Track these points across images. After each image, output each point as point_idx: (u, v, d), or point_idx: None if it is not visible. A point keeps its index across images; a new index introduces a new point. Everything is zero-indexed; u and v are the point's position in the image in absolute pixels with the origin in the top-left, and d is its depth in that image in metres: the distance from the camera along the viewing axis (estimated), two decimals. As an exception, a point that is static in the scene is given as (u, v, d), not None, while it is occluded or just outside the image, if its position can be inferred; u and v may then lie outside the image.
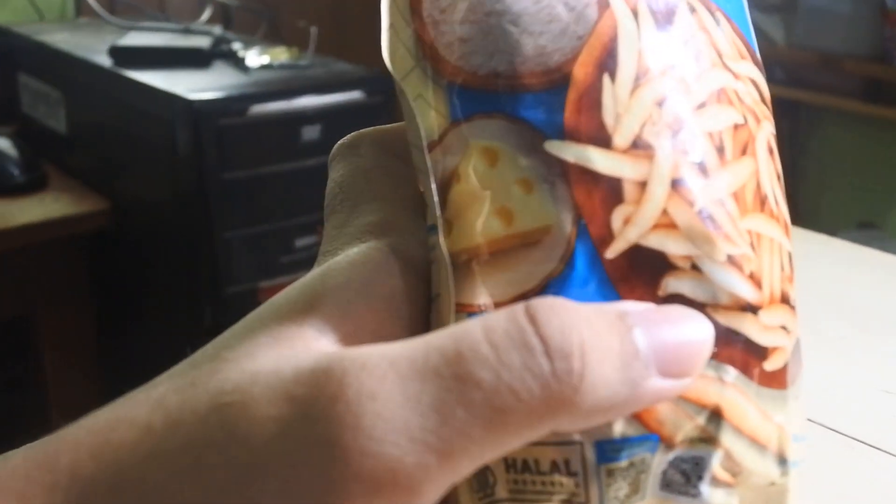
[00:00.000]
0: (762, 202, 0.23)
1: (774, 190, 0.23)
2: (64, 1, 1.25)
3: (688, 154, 0.22)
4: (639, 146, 0.22)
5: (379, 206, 0.21)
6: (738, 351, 0.20)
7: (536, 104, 0.23)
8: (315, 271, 0.19)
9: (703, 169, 0.22)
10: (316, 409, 0.14)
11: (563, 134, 0.22)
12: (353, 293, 0.18)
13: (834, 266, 0.63)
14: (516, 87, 0.22)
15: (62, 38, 1.04)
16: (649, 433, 0.19)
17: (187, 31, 0.99)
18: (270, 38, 1.09)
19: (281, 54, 0.94)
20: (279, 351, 0.16)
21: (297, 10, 1.23)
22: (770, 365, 0.21)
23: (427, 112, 0.22)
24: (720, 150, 0.23)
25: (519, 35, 0.23)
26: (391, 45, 0.23)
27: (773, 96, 0.28)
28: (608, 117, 0.22)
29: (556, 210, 0.21)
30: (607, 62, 0.23)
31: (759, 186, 0.23)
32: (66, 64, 1.00)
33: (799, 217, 1.90)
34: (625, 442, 0.19)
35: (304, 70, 0.93)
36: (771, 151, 0.24)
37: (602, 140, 0.22)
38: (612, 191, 0.21)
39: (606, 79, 0.23)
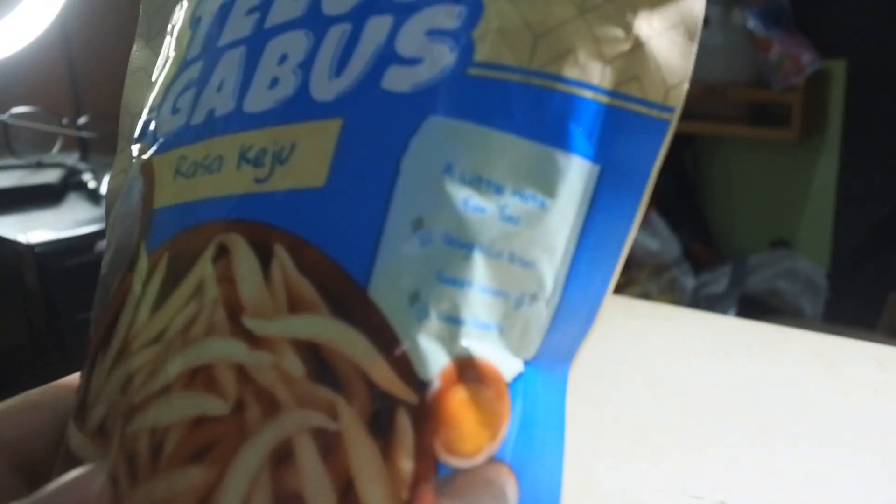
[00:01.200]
0: None
1: None
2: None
3: (129, 451, 0.20)
4: (102, 433, 0.21)
5: None
6: None
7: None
8: None
9: (134, 472, 0.19)
10: None
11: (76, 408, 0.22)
12: None
13: (649, 332, 0.61)
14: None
15: (-87, 189, 1.00)
16: None
17: (40, 166, 0.96)
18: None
19: (136, 177, 0.91)
20: None
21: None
22: None
23: None
24: (156, 451, 0.19)
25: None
26: None
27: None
28: (91, 395, 0.21)
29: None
30: (106, 334, 0.21)
31: None
32: (-85, 216, 0.96)
33: (712, 242, 1.90)
34: None
35: (160, 191, 0.90)
36: (286, 457, 0.18)
37: (82, 419, 0.21)
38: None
39: (101, 353, 0.21)
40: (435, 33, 0.20)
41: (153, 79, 0.26)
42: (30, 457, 0.23)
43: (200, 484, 0.18)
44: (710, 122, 1.83)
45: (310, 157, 0.20)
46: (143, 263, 0.22)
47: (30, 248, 0.77)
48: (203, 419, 0.19)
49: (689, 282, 1.84)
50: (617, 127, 0.20)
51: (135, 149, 0.25)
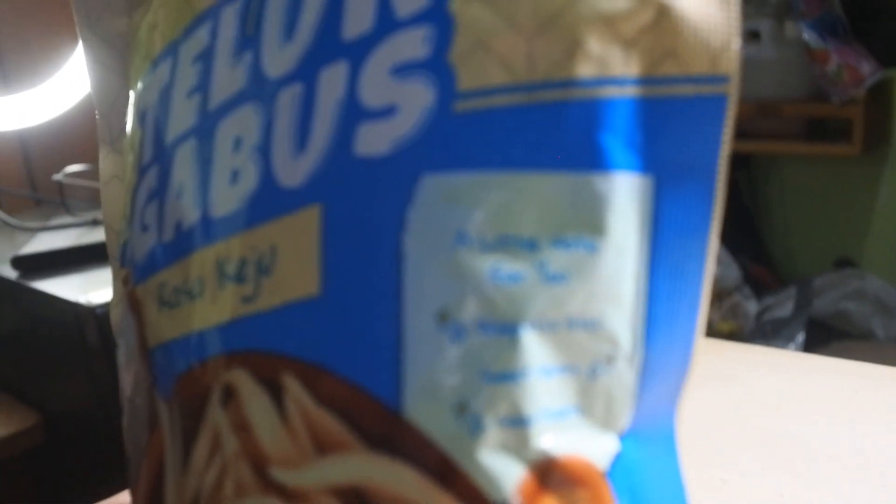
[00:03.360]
0: None
1: None
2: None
3: None
4: None
5: None
6: None
7: None
8: None
9: None
10: None
11: None
12: None
13: (742, 381, 0.57)
14: None
15: (-28, 251, 1.01)
16: None
17: (95, 223, 0.96)
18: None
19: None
20: None
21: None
22: None
23: None
24: None
25: None
26: None
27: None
28: None
29: None
30: (154, 500, 0.19)
31: None
32: (-24, 279, 0.96)
33: (774, 265, 1.83)
34: None
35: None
36: None
37: None
38: None
39: None
40: (403, 69, 0.16)
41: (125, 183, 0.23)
42: None
43: None
44: (766, 140, 1.78)
45: (295, 261, 0.17)
46: (164, 417, 0.19)
47: (91, 310, 0.76)
48: None
49: (753, 306, 1.78)
50: (662, 121, 0.16)
51: (123, 273, 0.22)
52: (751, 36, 1.67)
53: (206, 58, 0.19)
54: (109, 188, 0.23)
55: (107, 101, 0.24)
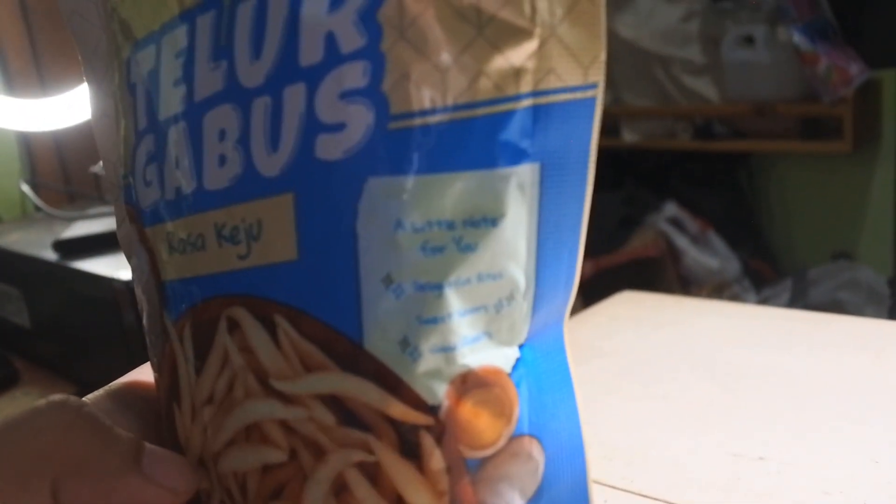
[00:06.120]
0: None
1: None
2: (23, 199, 1.31)
3: (225, 487, 0.23)
4: (202, 464, 0.24)
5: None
6: None
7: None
8: None
9: None
10: None
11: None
12: None
13: (701, 326, 0.63)
14: None
15: (15, 239, 1.08)
16: None
17: (128, 211, 1.04)
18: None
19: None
20: None
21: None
22: None
23: None
24: (243, 490, 0.22)
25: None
26: None
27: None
28: (182, 438, 0.25)
29: None
30: (172, 388, 0.25)
31: None
32: (19, 263, 1.04)
33: (773, 258, 1.89)
34: None
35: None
36: (344, 487, 0.20)
37: (182, 448, 0.24)
38: None
39: (175, 406, 0.25)
40: (348, 95, 0.20)
41: (118, 129, 0.26)
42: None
43: None
44: (763, 139, 1.84)
45: (277, 233, 0.21)
46: (173, 334, 0.24)
47: (126, 284, 0.83)
48: (269, 466, 0.21)
49: (751, 298, 1.84)
50: (545, 121, 0.20)
51: (127, 209, 0.26)
52: (746, 41, 1.73)
53: (187, 56, 0.22)
54: (100, 125, 0.27)
55: (88, 47, 0.27)
